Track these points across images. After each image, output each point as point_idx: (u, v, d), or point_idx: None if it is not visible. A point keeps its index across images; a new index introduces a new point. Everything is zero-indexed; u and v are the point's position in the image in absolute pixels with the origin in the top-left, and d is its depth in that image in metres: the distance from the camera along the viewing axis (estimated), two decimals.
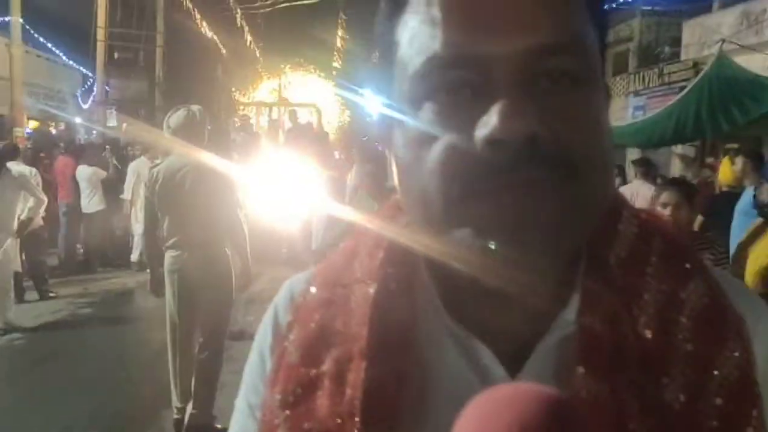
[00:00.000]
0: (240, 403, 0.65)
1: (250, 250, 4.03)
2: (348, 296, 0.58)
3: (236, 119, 12.91)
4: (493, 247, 0.47)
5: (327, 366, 0.55)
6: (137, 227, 8.01)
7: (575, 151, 0.48)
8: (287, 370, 0.57)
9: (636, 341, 0.52)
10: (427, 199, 0.50)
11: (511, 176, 0.46)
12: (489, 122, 0.46)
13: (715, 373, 0.51)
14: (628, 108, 16.28)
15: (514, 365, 0.54)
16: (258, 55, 15.18)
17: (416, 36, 0.51)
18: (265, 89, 14.62)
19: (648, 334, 0.52)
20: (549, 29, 0.48)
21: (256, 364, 0.64)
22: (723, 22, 13.41)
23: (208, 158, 3.71)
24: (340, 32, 15.31)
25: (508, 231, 0.47)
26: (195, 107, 3.88)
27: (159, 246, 3.84)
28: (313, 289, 0.61)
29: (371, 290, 0.56)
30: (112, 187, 9.16)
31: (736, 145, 11.32)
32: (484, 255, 0.48)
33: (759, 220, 3.40)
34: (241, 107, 13.83)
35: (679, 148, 11.79)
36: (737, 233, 4.65)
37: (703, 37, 13.46)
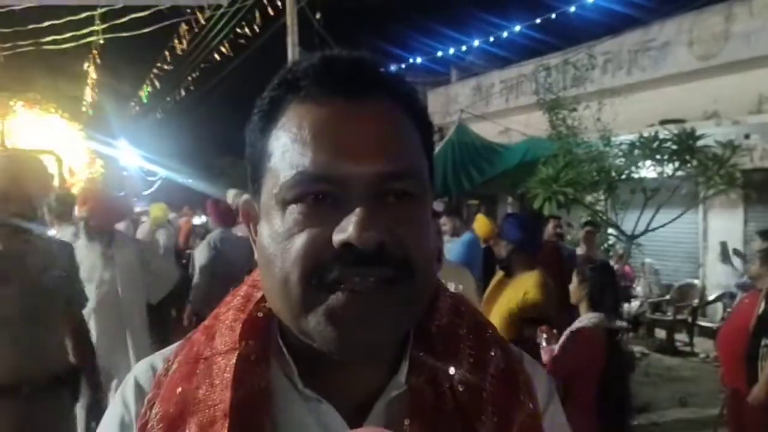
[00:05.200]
0: None
1: None
2: (210, 367, 0.65)
3: None
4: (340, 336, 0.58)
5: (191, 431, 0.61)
6: None
7: (412, 252, 0.60)
8: None
9: (452, 395, 0.65)
10: (288, 287, 0.59)
11: (361, 270, 0.57)
12: (346, 229, 0.57)
13: (515, 419, 0.66)
14: None
15: (356, 422, 0.63)
16: None
17: (288, 151, 0.61)
18: None
19: (461, 388, 0.65)
20: (396, 160, 0.60)
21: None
22: (460, 92, 15.24)
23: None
24: (90, 77, 13.37)
25: (356, 321, 0.57)
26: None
27: None
28: (175, 365, 0.67)
29: (233, 360, 0.64)
30: None
31: (476, 201, 12.77)
32: (332, 337, 0.58)
33: (500, 274, 3.72)
34: None
35: None
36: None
37: (445, 106, 15.11)
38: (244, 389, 0.62)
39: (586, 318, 3.07)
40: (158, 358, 0.72)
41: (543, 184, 7.09)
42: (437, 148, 11.07)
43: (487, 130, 11.19)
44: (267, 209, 0.63)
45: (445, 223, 5.96)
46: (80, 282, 2.87)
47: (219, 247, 5.24)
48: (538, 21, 9.84)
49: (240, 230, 6.29)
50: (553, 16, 9.67)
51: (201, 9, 10.27)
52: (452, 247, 5.55)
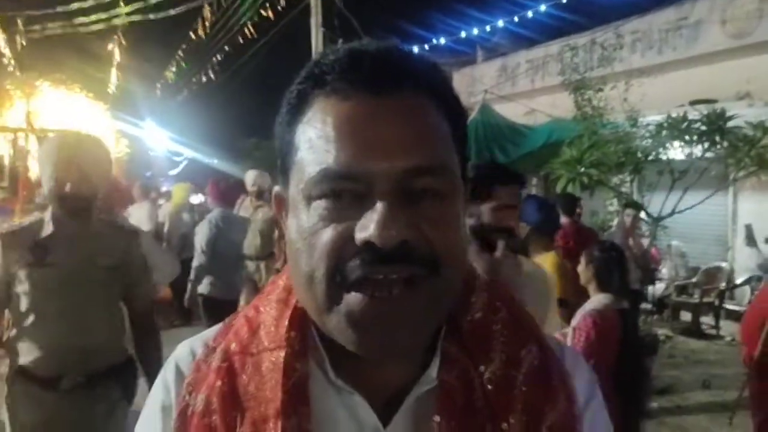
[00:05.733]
0: None
1: None
2: (259, 364, 0.66)
3: None
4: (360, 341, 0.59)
5: (245, 427, 0.62)
6: None
7: (439, 250, 0.59)
8: (201, 429, 0.63)
9: (482, 393, 0.64)
10: (313, 283, 0.60)
11: (386, 269, 0.56)
12: (368, 227, 0.56)
13: (546, 419, 0.65)
14: None
15: (386, 415, 0.65)
16: (14, 70, 12.27)
17: (313, 147, 0.60)
18: (19, 110, 11.40)
19: (490, 386, 0.64)
20: (421, 156, 0.59)
21: (157, 418, 0.68)
22: (486, 73, 15.07)
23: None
24: (115, 58, 13.24)
25: (376, 324, 0.57)
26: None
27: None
28: (219, 355, 0.68)
29: (281, 358, 0.65)
30: None
31: None
32: (353, 338, 0.58)
33: None
34: None
35: None
36: None
37: (470, 86, 14.96)
38: (292, 386, 0.63)
39: (595, 300, 3.07)
40: (198, 343, 0.73)
41: (566, 165, 7.00)
42: None
43: (512, 111, 11.08)
44: (294, 203, 0.63)
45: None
46: (145, 271, 2.65)
47: (220, 225, 5.22)
48: (564, 0, 9.66)
49: (242, 210, 6.30)
50: None
51: None
52: None
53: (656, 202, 7.12)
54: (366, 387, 0.65)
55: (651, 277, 8.07)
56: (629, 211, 6.42)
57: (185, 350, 0.73)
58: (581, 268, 3.17)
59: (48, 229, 2.33)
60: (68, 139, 2.43)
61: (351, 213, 0.58)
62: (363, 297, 0.57)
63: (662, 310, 8.80)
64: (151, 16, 10.79)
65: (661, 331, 7.83)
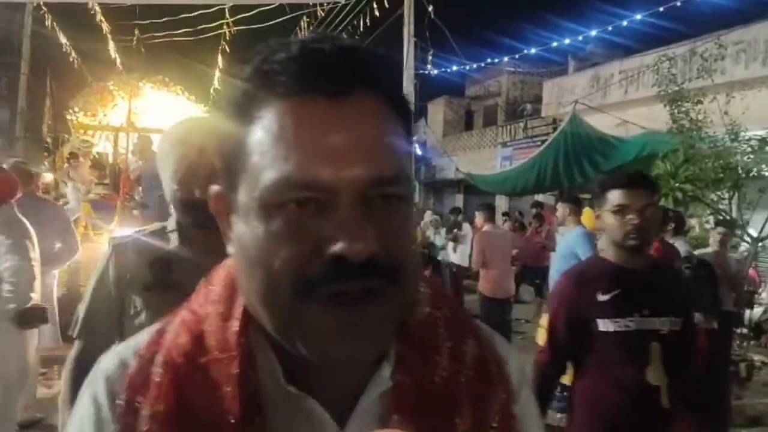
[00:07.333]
0: None
1: None
2: (208, 374, 0.62)
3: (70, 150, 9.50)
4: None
5: None
6: None
7: (399, 261, 0.58)
8: None
9: (432, 388, 0.65)
10: (275, 296, 0.57)
11: (352, 283, 0.55)
12: (336, 240, 0.54)
13: (492, 407, 0.67)
14: (496, 158, 17.29)
15: (342, 417, 0.63)
16: (120, 72, 12.76)
17: (268, 152, 0.56)
18: (121, 110, 11.06)
19: (439, 380, 0.65)
20: (384, 164, 0.57)
21: None
22: (577, 83, 14.75)
23: None
24: (218, 65, 13.82)
25: (343, 333, 0.56)
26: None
27: None
28: (158, 367, 0.63)
29: (235, 369, 0.61)
30: None
31: (588, 195, 12.38)
32: (319, 349, 0.57)
33: None
34: (82, 131, 10.87)
35: (540, 197, 12.66)
36: (555, 276, 5.13)
37: (560, 97, 14.70)
38: (247, 396, 0.61)
39: None
40: (128, 353, 0.67)
41: (659, 180, 6.79)
42: (550, 140, 10.83)
43: (603, 123, 10.81)
44: (246, 210, 0.59)
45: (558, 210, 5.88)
46: None
47: None
48: (662, 9, 9.36)
49: None
50: (679, 3, 9.15)
51: (321, 4, 10.67)
52: (568, 239, 5.47)
53: (757, 221, 6.79)
54: (319, 391, 0.63)
55: (749, 300, 7.67)
56: (720, 229, 6.14)
57: (113, 362, 0.66)
58: None
59: (173, 241, 1.85)
60: (195, 129, 1.85)
61: (313, 223, 0.55)
62: (332, 309, 0.55)
63: (760, 335, 8.32)
64: (254, 27, 11.30)
65: (757, 357, 7.41)
